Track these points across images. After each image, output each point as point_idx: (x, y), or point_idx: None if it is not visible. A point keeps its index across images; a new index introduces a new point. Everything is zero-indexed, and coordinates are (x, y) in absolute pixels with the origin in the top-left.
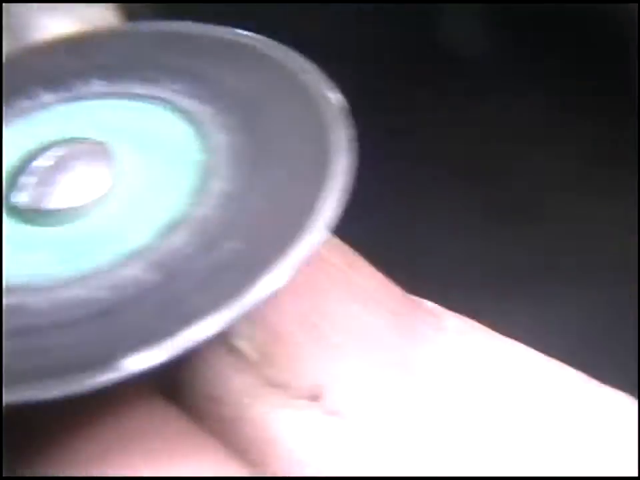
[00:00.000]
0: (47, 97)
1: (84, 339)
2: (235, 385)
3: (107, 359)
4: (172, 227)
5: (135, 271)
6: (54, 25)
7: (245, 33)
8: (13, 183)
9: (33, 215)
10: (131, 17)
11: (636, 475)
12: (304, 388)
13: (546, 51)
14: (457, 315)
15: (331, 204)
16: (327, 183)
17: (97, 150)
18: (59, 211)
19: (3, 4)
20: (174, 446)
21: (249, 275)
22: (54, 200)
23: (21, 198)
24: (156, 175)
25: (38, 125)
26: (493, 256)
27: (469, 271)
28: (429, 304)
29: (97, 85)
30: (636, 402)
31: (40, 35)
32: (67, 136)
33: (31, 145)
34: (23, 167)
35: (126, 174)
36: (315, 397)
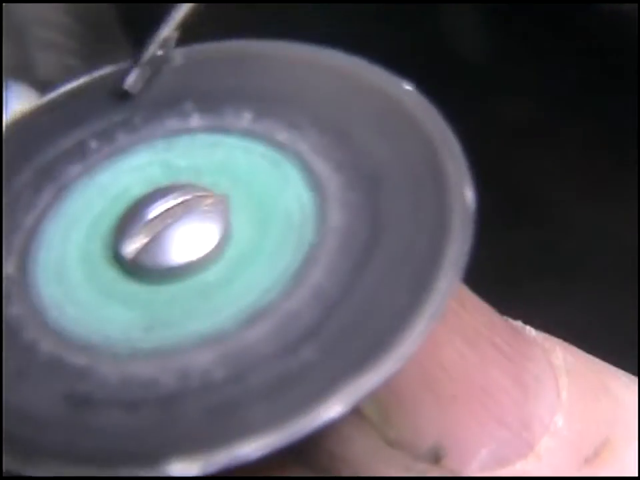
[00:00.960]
0: (195, 121)
1: (137, 427)
2: (357, 445)
3: (154, 458)
4: (259, 316)
5: (206, 361)
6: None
7: (408, 89)
8: (124, 229)
9: (133, 269)
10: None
11: (636, 474)
12: (425, 448)
13: (546, 51)
14: (561, 342)
15: (421, 330)
16: (426, 307)
17: (215, 207)
18: (159, 269)
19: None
20: None
21: (313, 396)
22: (157, 256)
23: (126, 248)
24: (264, 247)
25: (175, 153)
26: (492, 255)
27: (467, 270)
28: (532, 333)
29: (245, 120)
30: None
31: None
32: (197, 175)
33: (161, 177)
34: (138, 213)
35: (236, 239)
36: (436, 458)
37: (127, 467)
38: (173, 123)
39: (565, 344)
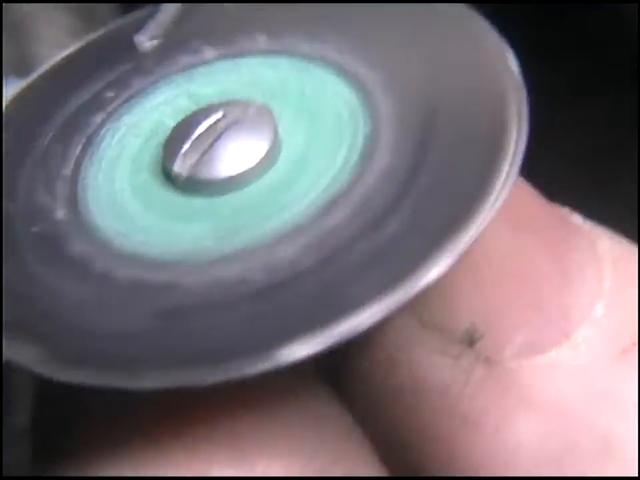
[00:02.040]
0: (209, 53)
1: (237, 323)
2: (390, 328)
3: (263, 347)
4: (332, 203)
5: (291, 253)
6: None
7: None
8: (173, 149)
9: (191, 184)
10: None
11: (636, 474)
12: (460, 331)
13: (545, 50)
14: (608, 232)
15: (499, 188)
16: (497, 166)
17: (259, 115)
18: (218, 180)
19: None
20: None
21: (409, 262)
22: (213, 169)
23: (180, 166)
24: (318, 144)
25: (198, 83)
26: None
27: None
28: (579, 221)
29: (261, 42)
30: None
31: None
32: (228, 97)
33: (191, 105)
34: (183, 132)
35: (287, 142)
36: (471, 341)
37: (239, 360)
38: (185, 58)
39: (612, 234)
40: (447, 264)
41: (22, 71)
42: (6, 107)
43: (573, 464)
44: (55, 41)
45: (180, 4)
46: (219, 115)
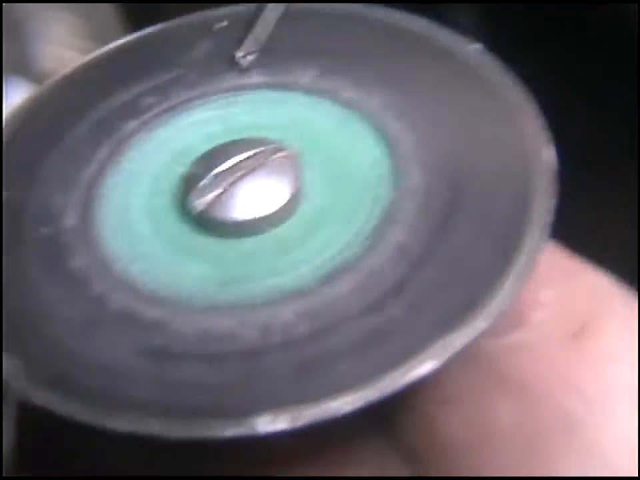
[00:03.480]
0: (257, 77)
1: (220, 381)
2: None
3: (242, 414)
4: (339, 272)
5: (288, 316)
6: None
7: (476, 48)
8: (193, 180)
9: (204, 221)
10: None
11: (636, 474)
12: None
13: (545, 51)
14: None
15: (506, 296)
16: (515, 265)
17: (287, 162)
18: (231, 222)
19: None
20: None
21: (403, 352)
22: (229, 209)
23: (196, 200)
24: (339, 203)
25: (236, 109)
26: None
27: None
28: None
29: (308, 77)
30: None
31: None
32: (261, 133)
33: (223, 133)
34: (207, 164)
35: (309, 194)
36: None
37: (214, 422)
38: (232, 78)
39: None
40: (433, 365)
41: (22, 71)
42: (40, 94)
43: (544, 445)
44: (55, 40)
45: (280, 8)
46: (247, 153)
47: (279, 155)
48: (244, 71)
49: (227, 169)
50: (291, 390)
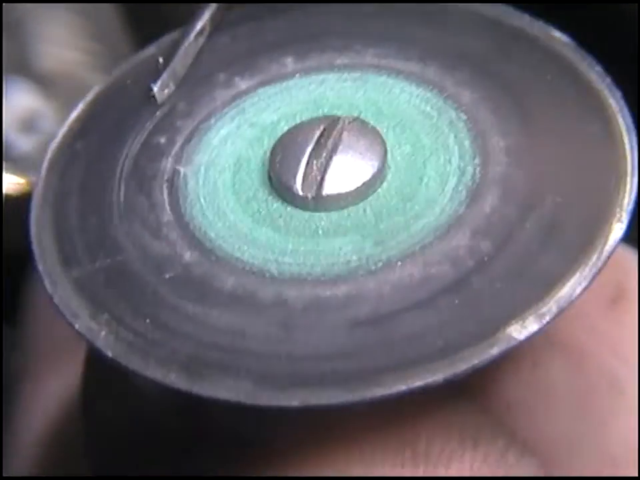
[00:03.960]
0: (243, 83)
1: (448, 316)
2: None
3: (492, 330)
4: (476, 193)
5: (465, 241)
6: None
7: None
8: (288, 172)
9: (321, 202)
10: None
11: (636, 474)
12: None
13: None
14: None
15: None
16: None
17: (357, 126)
18: (348, 193)
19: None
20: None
21: (579, 230)
22: (339, 183)
23: (305, 187)
24: (420, 148)
25: (251, 111)
26: None
27: None
28: None
29: (290, 65)
30: None
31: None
32: (296, 118)
33: (259, 133)
34: (290, 155)
35: (393, 148)
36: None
37: (471, 343)
38: (222, 93)
39: None
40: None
41: (22, 71)
42: (45, 169)
43: (592, 402)
44: (55, 40)
45: (199, 42)
46: (318, 132)
47: (344, 122)
48: (176, 96)
49: (312, 151)
50: (511, 301)
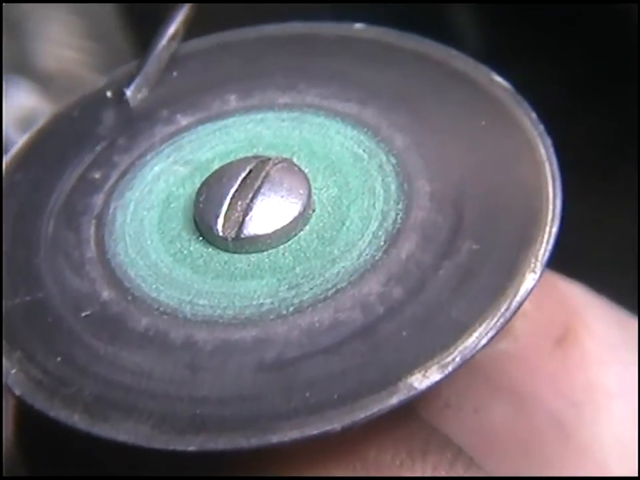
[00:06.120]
0: (184, 120)
1: (352, 363)
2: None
3: (394, 379)
4: (395, 238)
5: (377, 287)
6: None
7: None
8: (210, 213)
9: (241, 243)
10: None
11: (636, 475)
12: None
13: (545, 51)
14: None
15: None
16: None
17: (286, 168)
18: (268, 235)
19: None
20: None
21: (492, 278)
22: (260, 225)
23: (225, 228)
24: (348, 193)
25: (188, 149)
26: None
27: None
28: None
29: (232, 102)
30: None
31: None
32: (230, 157)
33: (191, 171)
34: (214, 194)
35: (320, 190)
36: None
37: (373, 398)
38: (162, 129)
39: None
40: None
41: (22, 71)
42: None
43: (539, 449)
44: (55, 40)
45: (173, 45)
46: (244, 173)
47: (273, 163)
48: (115, 131)
49: (236, 192)
50: (419, 349)
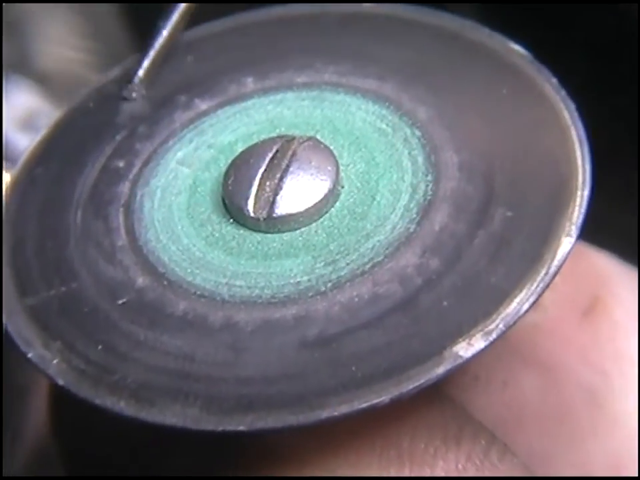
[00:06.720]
0: (202, 105)
1: (395, 336)
2: None
3: (439, 349)
4: (427, 210)
5: (414, 259)
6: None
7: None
8: (240, 194)
9: (273, 223)
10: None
11: (636, 474)
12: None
13: (545, 50)
14: None
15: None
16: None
17: (311, 146)
18: (299, 213)
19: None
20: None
21: (528, 244)
22: (291, 204)
23: (256, 209)
24: (374, 167)
25: (210, 133)
26: None
27: None
28: None
29: (250, 85)
30: None
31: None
32: (254, 139)
33: (216, 154)
34: (242, 176)
35: (347, 166)
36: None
37: (417, 363)
38: (181, 115)
39: None
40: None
41: (22, 70)
42: (7, 195)
43: (569, 418)
44: (55, 40)
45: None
46: (270, 153)
47: (299, 141)
48: (135, 119)
49: (264, 172)
50: (459, 319)
